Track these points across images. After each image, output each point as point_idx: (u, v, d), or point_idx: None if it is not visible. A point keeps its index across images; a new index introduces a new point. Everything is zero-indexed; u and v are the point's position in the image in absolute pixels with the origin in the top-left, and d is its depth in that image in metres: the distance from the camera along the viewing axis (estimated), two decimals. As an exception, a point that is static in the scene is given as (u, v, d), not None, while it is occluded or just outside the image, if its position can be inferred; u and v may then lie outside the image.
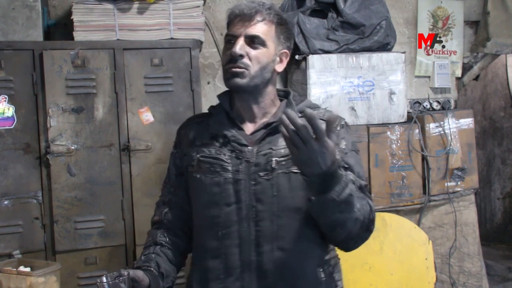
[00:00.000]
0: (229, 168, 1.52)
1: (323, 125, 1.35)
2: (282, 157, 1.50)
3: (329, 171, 1.30)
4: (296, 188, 1.50)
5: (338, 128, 1.58)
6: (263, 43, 1.53)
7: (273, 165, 1.50)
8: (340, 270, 1.66)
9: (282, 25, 1.59)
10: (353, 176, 1.53)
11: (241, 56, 1.51)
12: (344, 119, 1.65)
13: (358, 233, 1.48)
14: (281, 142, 1.51)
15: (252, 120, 1.60)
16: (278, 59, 1.59)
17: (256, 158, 1.52)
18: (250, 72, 1.52)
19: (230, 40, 1.54)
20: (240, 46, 1.51)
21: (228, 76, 1.53)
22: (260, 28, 1.53)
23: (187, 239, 1.69)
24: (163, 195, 1.72)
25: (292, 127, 1.26)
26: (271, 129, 1.55)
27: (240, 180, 1.51)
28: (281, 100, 1.67)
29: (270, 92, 1.61)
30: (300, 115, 1.56)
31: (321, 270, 1.55)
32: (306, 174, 1.33)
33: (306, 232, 1.52)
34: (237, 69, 1.51)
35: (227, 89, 1.66)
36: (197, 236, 1.63)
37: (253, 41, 1.52)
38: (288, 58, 1.64)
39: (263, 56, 1.54)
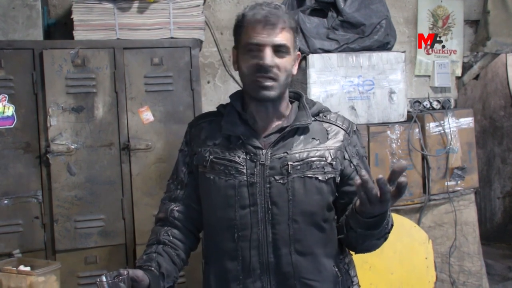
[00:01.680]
0: (244, 170, 1.53)
1: (330, 128, 1.52)
2: (297, 161, 1.52)
3: (383, 212, 1.38)
4: (311, 193, 1.53)
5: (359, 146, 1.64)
6: (288, 51, 1.52)
7: (289, 169, 1.51)
8: (354, 266, 1.70)
9: (297, 28, 1.59)
10: None
11: (272, 67, 1.49)
12: (355, 124, 1.67)
13: (382, 240, 1.58)
14: (295, 147, 1.54)
15: (266, 122, 1.60)
16: (294, 62, 1.60)
17: (270, 161, 1.53)
18: (280, 83, 1.52)
19: (254, 48, 1.50)
20: (271, 56, 1.49)
21: (258, 88, 1.51)
22: (285, 36, 1.51)
23: (193, 237, 1.70)
24: (169, 192, 1.71)
25: (387, 186, 1.26)
26: (285, 133, 1.55)
27: (255, 183, 1.52)
28: (291, 102, 1.67)
29: (287, 95, 1.63)
30: (313, 119, 1.60)
31: (337, 270, 1.59)
32: (364, 215, 1.39)
33: (322, 235, 1.56)
34: (269, 82, 1.50)
35: (239, 89, 1.67)
36: (211, 236, 1.63)
37: (280, 50, 1.51)
38: (299, 59, 1.65)
39: (289, 64, 1.54)
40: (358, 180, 1.28)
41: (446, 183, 3.45)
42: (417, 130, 3.37)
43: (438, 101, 3.68)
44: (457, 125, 3.49)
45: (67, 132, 2.66)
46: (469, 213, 3.55)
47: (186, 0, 2.86)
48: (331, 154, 1.56)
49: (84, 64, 2.68)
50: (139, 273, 1.44)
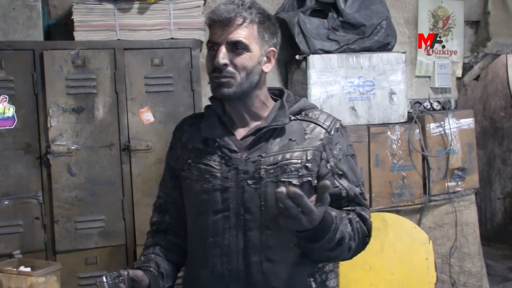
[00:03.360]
0: (218, 175, 1.48)
1: (309, 126, 1.44)
2: (271, 165, 1.46)
3: (316, 228, 1.28)
4: None
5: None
6: (246, 48, 1.46)
7: (262, 174, 1.45)
8: (336, 276, 1.65)
9: (265, 22, 1.52)
10: (347, 184, 1.51)
11: (225, 65, 1.45)
12: (340, 120, 1.59)
13: (352, 255, 1.49)
14: (271, 149, 1.48)
15: (243, 124, 1.55)
16: (265, 59, 1.53)
17: (245, 165, 1.47)
18: (237, 80, 1.46)
19: (212, 47, 1.48)
20: (223, 54, 1.44)
21: (215, 86, 1.48)
22: (241, 32, 1.45)
23: (184, 245, 1.66)
24: (160, 197, 1.69)
25: (287, 203, 1.20)
26: (261, 135, 1.50)
27: (228, 188, 1.47)
28: (275, 100, 1.61)
29: (260, 94, 1.56)
30: (293, 118, 1.54)
31: (312, 280, 1.51)
32: (292, 232, 1.32)
33: (294, 242, 1.45)
34: (223, 79, 1.46)
35: None
36: (188, 242, 1.61)
37: (236, 47, 1.45)
38: (276, 56, 1.57)
39: (248, 61, 1.47)
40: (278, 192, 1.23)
41: (446, 184, 3.45)
42: (417, 130, 3.38)
43: (438, 101, 3.68)
44: (458, 126, 3.49)
45: (68, 132, 2.65)
46: (470, 213, 3.55)
47: (187, 0, 2.86)
48: (308, 155, 1.48)
49: (84, 64, 2.68)
50: (139, 273, 1.44)
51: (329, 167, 1.51)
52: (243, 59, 1.46)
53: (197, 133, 1.57)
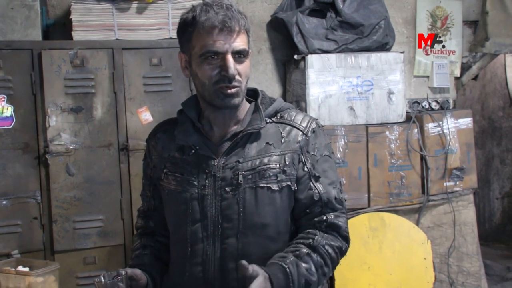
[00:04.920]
0: (195, 183, 1.45)
1: (285, 129, 1.44)
2: (249, 170, 1.43)
3: None
4: (263, 204, 1.43)
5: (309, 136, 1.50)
6: (247, 55, 1.44)
7: (240, 180, 1.42)
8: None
9: (249, 27, 1.47)
10: (322, 188, 1.48)
11: (235, 75, 1.40)
12: (316, 119, 1.56)
13: (330, 273, 1.48)
14: (248, 154, 1.45)
15: (222, 128, 1.50)
16: None
17: (222, 172, 1.44)
18: (242, 88, 1.44)
19: (213, 56, 1.39)
20: (233, 65, 1.39)
21: (223, 96, 1.41)
22: (243, 39, 1.42)
23: None
24: (142, 204, 1.70)
25: None
26: (237, 140, 1.46)
27: (206, 196, 1.44)
28: (250, 101, 1.55)
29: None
30: (269, 120, 1.50)
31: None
32: None
33: (272, 248, 1.45)
34: (233, 90, 1.41)
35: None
36: (170, 249, 1.59)
37: (239, 55, 1.41)
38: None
39: (248, 68, 1.46)
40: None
41: (445, 184, 3.45)
42: (416, 130, 3.38)
43: (437, 101, 3.68)
44: (456, 126, 3.50)
45: (66, 132, 2.65)
46: (468, 213, 3.55)
47: (185, 0, 2.86)
48: (286, 159, 1.45)
49: (83, 64, 2.68)
50: (137, 272, 1.45)
51: (306, 170, 1.48)
52: (246, 67, 1.44)
53: (172, 141, 1.52)
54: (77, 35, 2.74)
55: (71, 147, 2.66)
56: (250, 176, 1.42)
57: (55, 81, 2.64)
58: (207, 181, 1.44)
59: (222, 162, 1.45)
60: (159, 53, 2.78)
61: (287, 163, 1.45)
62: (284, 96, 3.47)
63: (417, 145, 3.37)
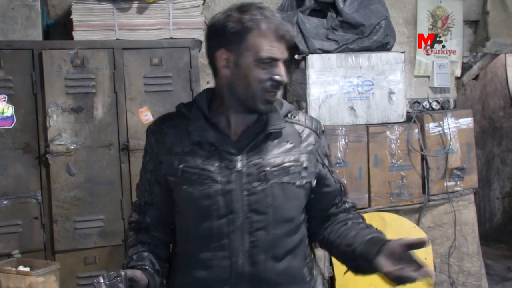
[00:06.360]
0: (219, 179, 1.47)
1: (302, 130, 1.55)
2: (274, 167, 1.48)
3: None
4: (290, 198, 1.51)
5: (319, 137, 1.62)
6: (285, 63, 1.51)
7: (267, 176, 1.47)
8: (317, 267, 1.70)
9: None
10: (336, 179, 1.64)
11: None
12: (321, 123, 1.65)
13: None
14: (270, 152, 1.50)
15: (239, 125, 1.53)
16: None
17: (247, 168, 1.48)
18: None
19: (267, 61, 1.44)
20: (285, 72, 1.47)
21: (266, 102, 1.47)
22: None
23: (167, 239, 1.65)
24: (139, 198, 1.67)
25: None
26: (259, 138, 1.50)
27: (231, 191, 1.47)
28: None
29: None
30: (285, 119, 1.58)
31: (305, 268, 1.58)
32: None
33: (296, 239, 1.54)
34: (275, 97, 1.49)
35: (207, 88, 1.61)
36: (184, 245, 1.59)
37: (284, 63, 1.48)
38: None
39: None
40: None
41: (445, 184, 3.45)
42: (416, 130, 3.38)
43: (437, 101, 3.68)
44: (457, 126, 3.50)
45: (67, 132, 2.65)
46: (469, 213, 3.55)
47: (186, 0, 2.86)
48: (305, 158, 1.53)
49: (83, 64, 2.68)
50: (138, 273, 1.44)
51: (325, 167, 1.59)
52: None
53: (184, 136, 1.53)
54: (78, 35, 2.75)
55: (72, 147, 2.66)
56: (276, 173, 1.48)
57: (56, 81, 2.64)
58: (231, 177, 1.47)
59: (245, 158, 1.48)
60: (160, 53, 2.78)
61: (307, 161, 1.53)
62: (284, 96, 3.47)
63: (417, 145, 3.37)
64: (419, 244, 1.41)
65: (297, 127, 1.58)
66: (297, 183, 1.51)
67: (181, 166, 1.50)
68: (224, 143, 1.49)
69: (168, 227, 1.65)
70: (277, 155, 1.50)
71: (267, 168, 1.47)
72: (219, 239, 1.48)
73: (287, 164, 1.50)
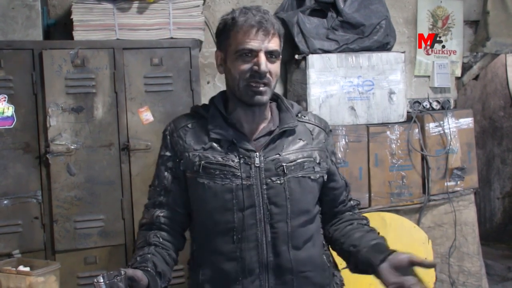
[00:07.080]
0: (239, 174, 1.56)
1: (313, 129, 1.68)
2: (290, 162, 1.59)
3: None
4: (306, 191, 1.62)
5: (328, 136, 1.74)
6: (278, 56, 1.58)
7: (285, 170, 1.57)
8: (329, 247, 1.77)
9: (283, 34, 1.63)
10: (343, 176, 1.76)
11: (266, 73, 1.54)
12: (326, 121, 1.77)
13: None
14: (286, 148, 1.60)
15: (252, 125, 1.63)
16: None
17: (265, 163, 1.58)
18: (271, 88, 1.58)
19: (247, 53, 1.53)
20: (265, 62, 1.52)
21: (252, 93, 1.55)
22: (276, 41, 1.56)
23: (180, 238, 1.71)
24: (153, 198, 1.69)
25: None
26: (275, 136, 1.61)
27: (252, 185, 1.56)
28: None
29: None
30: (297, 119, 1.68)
31: (324, 256, 1.69)
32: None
33: (313, 229, 1.65)
34: (263, 87, 1.55)
35: (224, 89, 1.69)
36: (206, 239, 1.63)
37: (272, 55, 1.55)
38: None
39: (279, 68, 1.60)
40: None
41: (445, 184, 3.45)
42: (416, 130, 3.38)
43: (437, 101, 3.68)
44: (457, 126, 3.50)
45: (67, 132, 2.65)
46: (469, 213, 3.55)
47: (186, 0, 2.86)
48: (318, 154, 1.65)
49: (83, 64, 2.68)
50: (138, 273, 1.44)
51: (333, 164, 1.72)
52: (276, 67, 1.58)
53: (202, 135, 1.62)
54: (78, 35, 2.74)
55: (72, 147, 2.66)
56: (292, 168, 1.59)
57: (56, 81, 2.64)
58: (251, 172, 1.57)
59: (263, 155, 1.59)
60: (160, 53, 2.78)
61: (319, 157, 1.65)
62: (285, 96, 3.47)
63: (418, 145, 3.37)
64: (428, 266, 1.54)
65: (308, 125, 1.69)
66: (312, 177, 1.62)
67: (202, 162, 1.59)
68: (242, 141, 1.59)
69: (180, 228, 1.70)
70: (292, 151, 1.61)
71: (284, 164, 1.58)
72: (241, 231, 1.56)
73: (301, 159, 1.61)
